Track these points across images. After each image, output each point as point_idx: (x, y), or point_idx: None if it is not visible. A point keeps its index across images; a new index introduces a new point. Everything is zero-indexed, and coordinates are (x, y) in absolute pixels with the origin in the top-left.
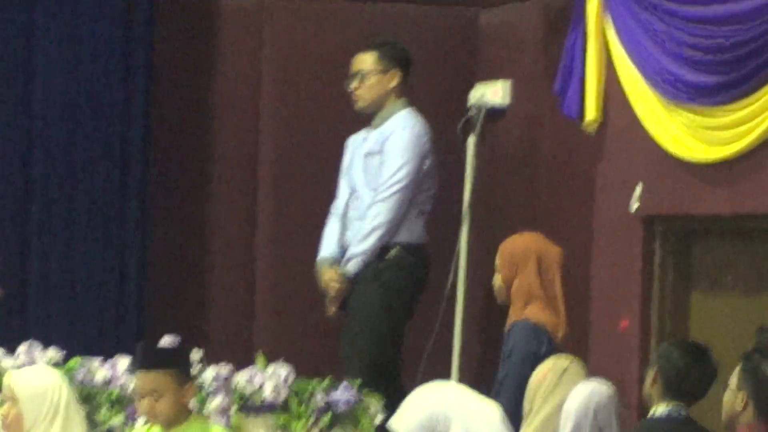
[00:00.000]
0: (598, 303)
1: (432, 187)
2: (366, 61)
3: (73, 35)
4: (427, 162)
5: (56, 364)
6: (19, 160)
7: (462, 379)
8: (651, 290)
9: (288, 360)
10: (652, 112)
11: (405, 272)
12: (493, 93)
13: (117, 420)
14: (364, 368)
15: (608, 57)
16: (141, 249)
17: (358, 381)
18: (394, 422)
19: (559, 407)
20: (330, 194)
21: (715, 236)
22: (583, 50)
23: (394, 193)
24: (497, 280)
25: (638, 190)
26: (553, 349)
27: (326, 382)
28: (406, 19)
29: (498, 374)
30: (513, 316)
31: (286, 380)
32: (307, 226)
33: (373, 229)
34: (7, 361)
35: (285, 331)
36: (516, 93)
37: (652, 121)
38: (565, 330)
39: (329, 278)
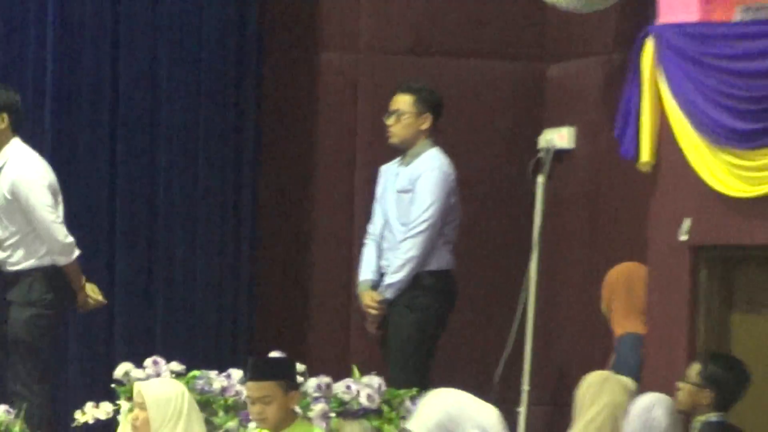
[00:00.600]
0: (650, 323)
1: (456, 219)
2: (404, 101)
3: (189, 85)
4: (452, 198)
5: (179, 375)
6: (143, 214)
7: (532, 391)
8: (697, 312)
9: (378, 372)
10: (698, 153)
11: (435, 296)
12: (560, 137)
13: (232, 423)
14: (406, 379)
15: (660, 105)
16: (251, 278)
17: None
18: (411, 423)
19: (601, 410)
20: None
21: (754, 264)
22: (639, 99)
23: (424, 230)
24: (602, 304)
25: (686, 224)
26: None
27: (414, 390)
28: (483, 72)
29: None
30: (617, 331)
31: (379, 389)
32: None
33: (406, 262)
34: (137, 373)
35: (376, 347)
36: (580, 137)
37: (698, 162)
38: None
39: (368, 303)
